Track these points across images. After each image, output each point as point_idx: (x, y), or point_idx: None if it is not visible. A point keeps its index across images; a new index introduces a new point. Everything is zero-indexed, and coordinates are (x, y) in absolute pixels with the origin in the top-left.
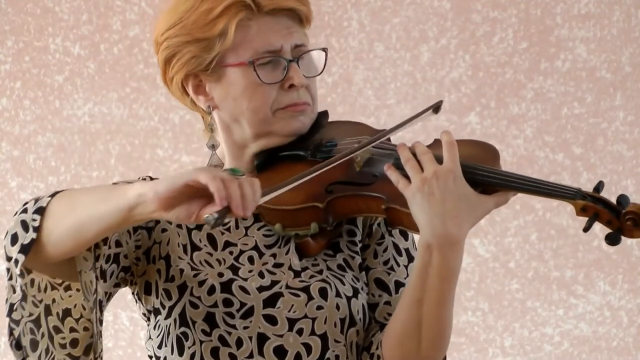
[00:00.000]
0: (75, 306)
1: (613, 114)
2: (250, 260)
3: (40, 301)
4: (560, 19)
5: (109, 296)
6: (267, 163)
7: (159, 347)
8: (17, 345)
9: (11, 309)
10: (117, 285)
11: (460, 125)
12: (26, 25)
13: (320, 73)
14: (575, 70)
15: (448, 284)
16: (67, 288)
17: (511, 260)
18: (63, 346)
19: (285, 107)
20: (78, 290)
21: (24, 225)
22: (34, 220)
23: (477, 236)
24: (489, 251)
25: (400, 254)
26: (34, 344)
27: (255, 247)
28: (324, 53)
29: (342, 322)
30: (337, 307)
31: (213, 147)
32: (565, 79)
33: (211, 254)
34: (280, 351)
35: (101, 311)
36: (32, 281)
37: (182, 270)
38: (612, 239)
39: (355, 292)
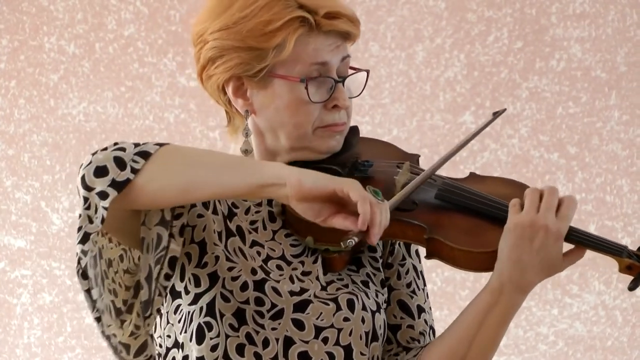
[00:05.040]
0: (114, 259)
1: (608, 113)
2: (279, 268)
3: (95, 243)
4: (555, 18)
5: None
6: None
7: (181, 332)
8: (83, 275)
9: (85, 238)
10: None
11: (455, 125)
12: (21, 24)
13: (359, 95)
14: (570, 70)
15: (506, 325)
16: (110, 240)
17: None
18: (110, 292)
19: (326, 126)
20: (118, 244)
21: (119, 162)
22: (135, 162)
23: None
24: None
25: (419, 277)
26: (98, 278)
27: (282, 257)
28: (365, 75)
29: (366, 335)
30: (363, 321)
31: (246, 152)
32: (560, 78)
33: (242, 246)
34: (304, 357)
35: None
36: None
37: (217, 258)
38: None
39: (379, 307)
